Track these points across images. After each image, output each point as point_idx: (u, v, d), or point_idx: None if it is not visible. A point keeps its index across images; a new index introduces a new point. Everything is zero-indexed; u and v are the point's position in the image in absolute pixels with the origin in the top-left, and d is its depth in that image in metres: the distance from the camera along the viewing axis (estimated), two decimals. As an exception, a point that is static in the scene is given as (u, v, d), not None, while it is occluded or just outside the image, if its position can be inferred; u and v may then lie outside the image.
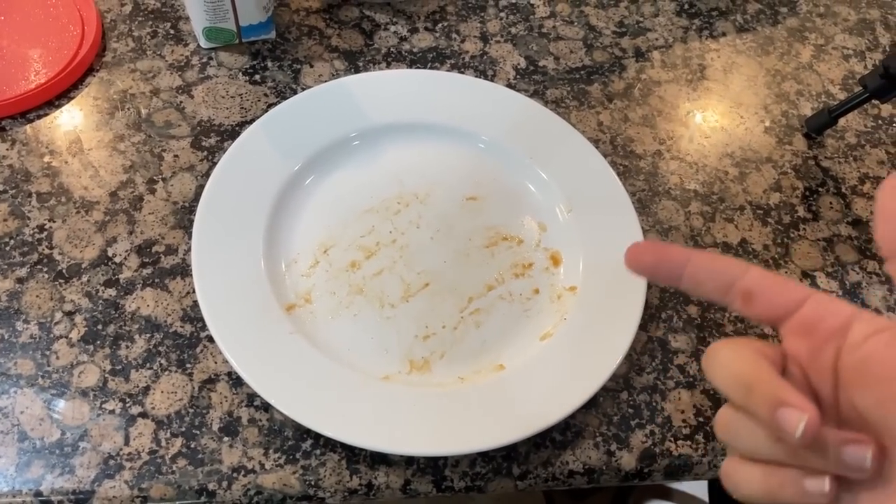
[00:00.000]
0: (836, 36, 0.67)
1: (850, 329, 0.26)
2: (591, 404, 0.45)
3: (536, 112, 0.54)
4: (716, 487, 0.89)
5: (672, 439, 0.45)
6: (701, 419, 0.46)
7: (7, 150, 0.51)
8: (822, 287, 0.52)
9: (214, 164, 0.51)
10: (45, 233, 0.48)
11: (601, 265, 0.49)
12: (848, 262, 0.54)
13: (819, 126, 0.59)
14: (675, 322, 0.49)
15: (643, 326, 0.49)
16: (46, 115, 0.53)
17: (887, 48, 0.66)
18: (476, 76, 0.59)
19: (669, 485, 1.32)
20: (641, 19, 0.65)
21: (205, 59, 0.57)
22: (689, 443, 0.45)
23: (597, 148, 0.54)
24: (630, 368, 0.47)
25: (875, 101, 0.57)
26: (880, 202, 0.27)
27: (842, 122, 0.60)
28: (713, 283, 0.28)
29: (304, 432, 0.43)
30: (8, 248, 0.47)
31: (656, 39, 0.64)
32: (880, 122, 0.62)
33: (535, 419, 0.42)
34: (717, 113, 0.60)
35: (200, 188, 0.50)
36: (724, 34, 0.65)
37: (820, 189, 0.57)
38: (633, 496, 1.21)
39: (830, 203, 0.56)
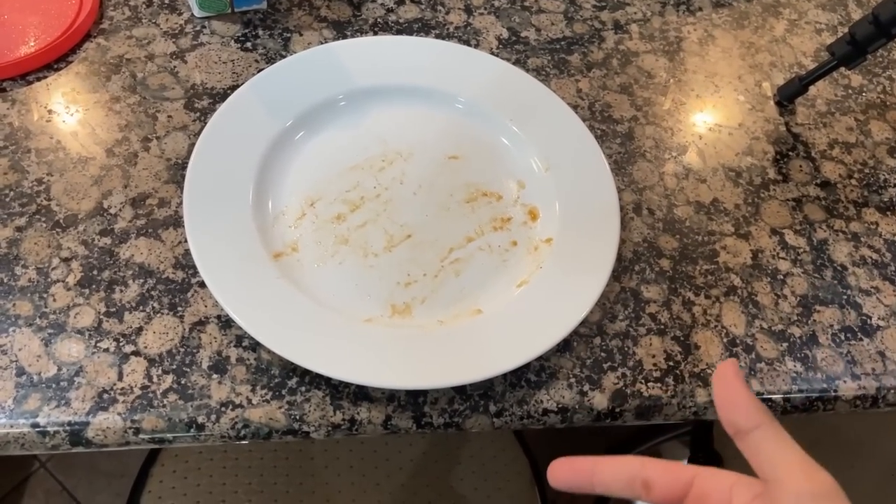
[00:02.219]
0: (809, 11, 0.69)
1: (732, 498, 0.29)
2: (566, 348, 0.48)
3: (517, 76, 0.56)
4: (693, 461, 0.91)
5: (643, 381, 0.47)
6: (671, 363, 0.48)
7: (7, 109, 0.53)
8: (789, 243, 0.54)
9: (206, 124, 0.53)
10: (44, 185, 0.50)
11: (577, 220, 0.51)
12: (816, 220, 0.56)
13: (790, 94, 0.61)
14: (648, 274, 0.51)
15: (617, 277, 0.51)
16: (45, 77, 0.55)
17: (859, 23, 0.69)
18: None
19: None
20: (621, -6, 0.67)
21: (198, 28, 0.59)
22: (659, 385, 0.47)
23: (575, 113, 0.56)
24: (603, 316, 0.49)
25: (845, 71, 0.60)
26: (716, 391, 0.31)
27: (812, 91, 0.62)
28: (618, 482, 0.31)
29: (289, 370, 0.45)
30: (8, 200, 0.49)
31: (635, 13, 0.66)
32: (850, 91, 0.64)
33: (510, 358, 0.44)
34: (693, 82, 0.62)
35: (193, 146, 0.52)
36: (700, 9, 0.68)
37: (790, 153, 0.59)
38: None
39: (800, 166, 0.59)
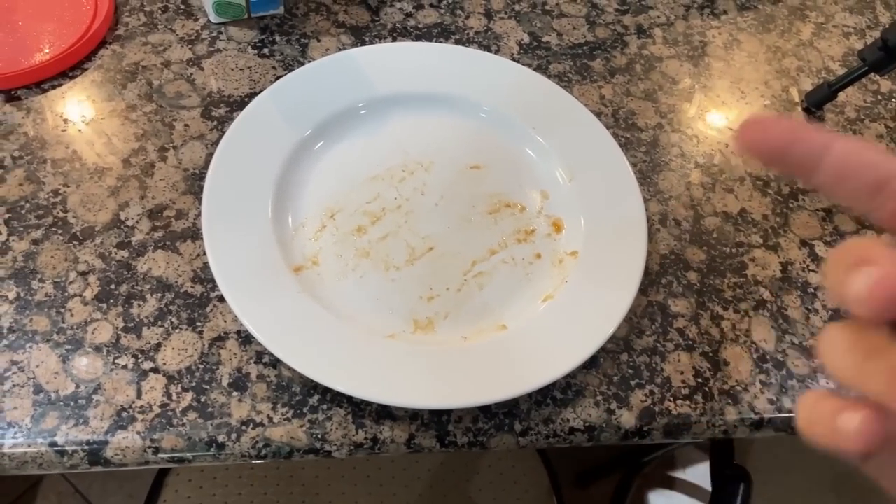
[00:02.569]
0: (836, 14, 0.67)
1: None
2: (592, 364, 0.46)
3: (539, 84, 0.55)
4: (718, 477, 0.90)
5: (671, 399, 0.46)
6: (700, 380, 0.47)
7: (23, 118, 0.52)
8: (820, 256, 0.53)
9: (224, 133, 0.52)
10: (60, 197, 0.49)
11: (602, 231, 0.50)
12: (847, 231, 0.54)
13: (819, 100, 0.60)
14: (675, 287, 0.50)
15: (644, 291, 0.50)
16: (61, 85, 0.54)
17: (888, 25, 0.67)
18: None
19: (672, 474, 1.33)
20: (644, -3, 0.66)
21: (214, 34, 0.58)
22: (688, 402, 0.46)
23: (599, 121, 0.55)
24: (630, 331, 0.48)
25: (874, 76, 0.58)
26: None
27: (841, 96, 0.61)
28: (862, 177, 0.22)
29: (311, 388, 0.44)
30: (24, 212, 0.48)
31: (658, 17, 0.65)
32: (879, 97, 0.62)
33: (535, 376, 0.43)
34: (719, 88, 0.61)
35: (210, 156, 0.51)
36: (725, 12, 0.66)
37: (819, 161, 0.58)
38: (635, 483, 1.22)
39: (829, 175, 0.57)
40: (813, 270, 0.52)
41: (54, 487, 1.17)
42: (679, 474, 1.31)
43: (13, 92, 0.53)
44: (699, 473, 1.29)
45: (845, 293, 0.19)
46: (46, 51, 0.54)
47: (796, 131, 0.22)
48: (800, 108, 0.61)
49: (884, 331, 0.20)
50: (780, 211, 0.55)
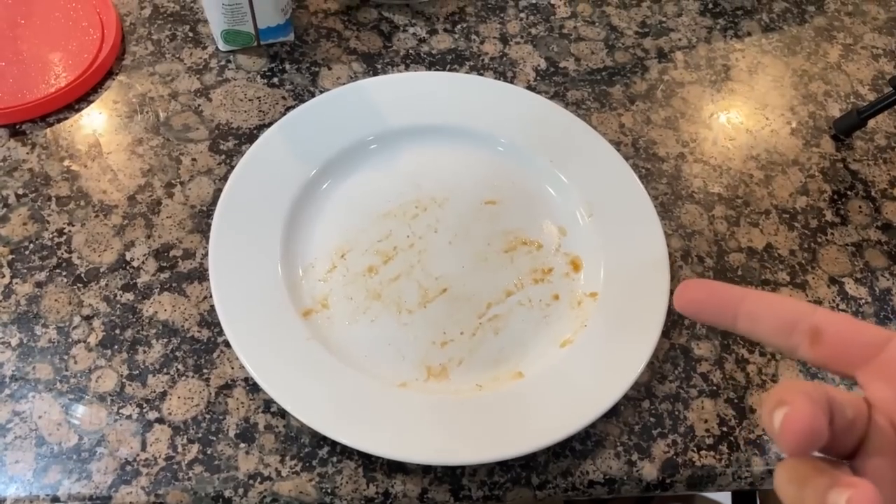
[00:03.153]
0: (864, 35, 0.65)
1: None
2: (612, 413, 0.45)
3: (556, 114, 0.53)
4: (739, 495, 0.88)
5: (695, 449, 0.44)
6: (725, 429, 0.45)
7: (27, 153, 0.51)
8: (850, 294, 0.51)
9: (232, 167, 0.51)
10: (65, 237, 0.48)
11: (622, 270, 0.48)
12: (878, 267, 0.52)
13: (847, 128, 0.57)
14: (699, 329, 0.48)
15: (665, 333, 0.48)
16: (66, 118, 0.53)
17: (918, 47, 0.65)
18: (496, 78, 0.58)
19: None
20: (664, 19, 0.64)
21: (223, 62, 0.57)
22: (712, 453, 0.44)
23: (618, 150, 0.53)
24: (652, 376, 0.46)
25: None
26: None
27: (871, 123, 0.58)
28: (773, 323, 0.25)
29: (320, 439, 0.42)
30: (27, 252, 0.47)
31: (679, 40, 0.63)
32: (911, 123, 0.60)
33: (554, 428, 0.41)
34: (742, 115, 0.59)
35: (218, 192, 0.50)
36: (749, 34, 0.64)
37: (849, 192, 0.56)
38: (654, 502, 1.20)
39: (860, 207, 0.55)
40: (843, 310, 0.50)
41: None
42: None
43: (18, 126, 0.52)
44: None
45: (770, 432, 0.22)
46: (52, 83, 0.53)
47: (716, 288, 0.26)
48: (827, 136, 0.58)
49: (816, 462, 0.22)
50: (807, 246, 0.53)
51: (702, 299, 0.26)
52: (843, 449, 0.23)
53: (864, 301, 0.50)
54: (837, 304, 0.50)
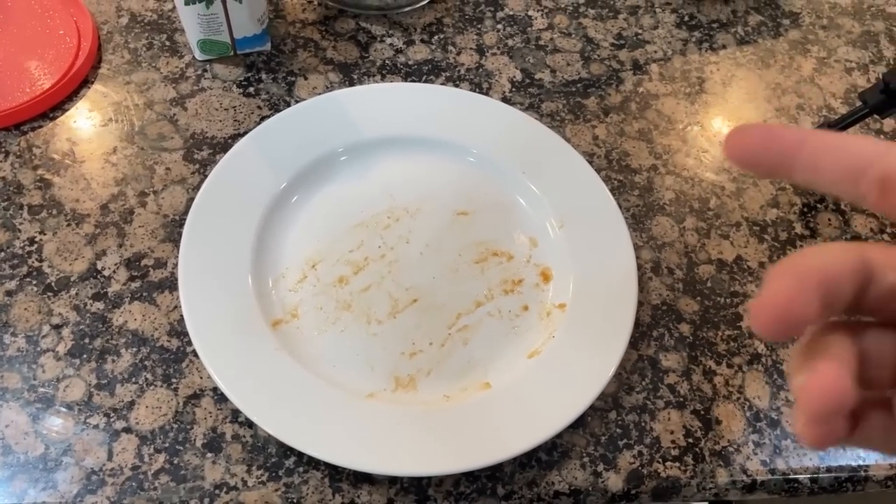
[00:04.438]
0: (839, 48, 0.66)
1: None
2: (579, 423, 0.45)
3: (529, 126, 0.54)
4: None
5: (660, 460, 0.44)
6: (690, 440, 0.45)
7: (0, 161, 0.51)
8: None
9: (206, 177, 0.51)
10: (35, 245, 0.48)
11: (592, 282, 0.48)
12: (845, 280, 0.53)
13: (819, 141, 0.58)
14: (667, 340, 0.49)
15: (633, 344, 0.48)
16: (41, 127, 0.53)
17: (891, 61, 0.65)
18: (472, 89, 0.58)
19: None
20: (640, 31, 0.65)
21: (199, 72, 0.57)
22: (677, 464, 0.44)
23: (591, 162, 0.53)
24: (619, 387, 0.47)
25: (876, 116, 0.56)
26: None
27: (842, 136, 0.59)
28: (838, 168, 0.21)
29: (287, 449, 0.42)
30: (-2, 261, 0.47)
31: (655, 52, 0.63)
32: (883, 136, 0.61)
33: (520, 439, 0.42)
34: (716, 127, 0.60)
35: (191, 201, 0.50)
36: (724, 47, 0.65)
37: (818, 205, 0.56)
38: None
39: (829, 220, 0.55)
40: (810, 322, 0.50)
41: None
42: None
43: (-8, 134, 0.52)
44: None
45: (794, 389, 0.20)
46: (27, 90, 0.53)
47: (772, 130, 0.23)
48: (799, 149, 0.59)
49: (824, 339, 0.21)
50: (777, 258, 0.53)
51: (755, 145, 0.23)
52: (891, 314, 0.21)
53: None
54: (805, 317, 0.51)
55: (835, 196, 0.22)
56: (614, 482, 0.44)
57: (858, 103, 0.57)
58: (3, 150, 0.52)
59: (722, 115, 0.60)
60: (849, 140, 0.22)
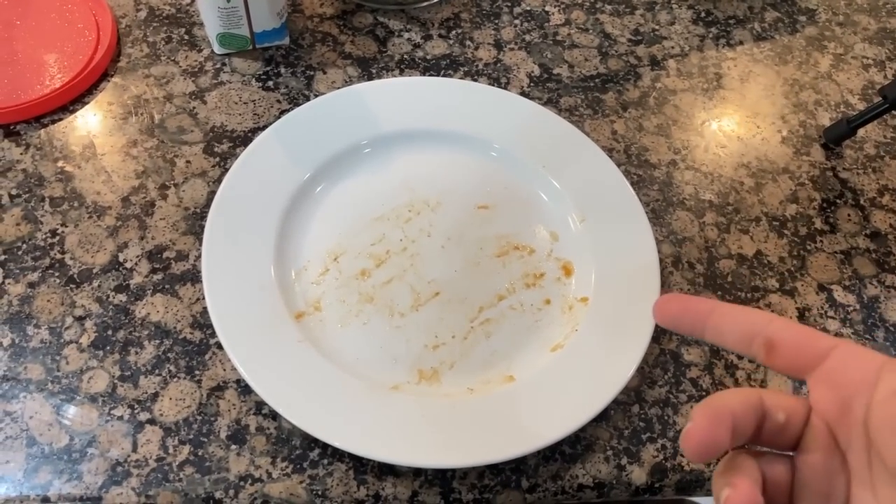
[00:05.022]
0: (855, 45, 0.66)
1: (879, 382, 0.25)
2: (602, 417, 0.45)
3: (549, 120, 0.54)
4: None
5: (684, 454, 0.44)
6: (714, 434, 0.45)
7: (21, 154, 0.51)
8: (838, 301, 0.51)
9: (226, 170, 0.51)
10: (58, 237, 0.48)
11: (614, 276, 0.48)
12: (866, 275, 0.53)
13: (837, 136, 0.58)
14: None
15: (656, 339, 0.48)
16: (61, 119, 0.53)
17: (908, 58, 0.65)
18: (489, 84, 0.58)
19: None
20: (657, 27, 0.65)
21: (218, 65, 0.57)
22: (701, 458, 0.44)
23: (611, 157, 0.53)
24: (642, 381, 0.47)
25: (895, 112, 0.56)
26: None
27: (861, 132, 0.59)
28: (735, 334, 0.28)
29: (311, 441, 0.42)
30: (20, 253, 0.47)
31: (672, 48, 0.63)
32: (900, 132, 0.61)
33: (544, 432, 0.41)
34: (734, 122, 0.59)
35: (212, 194, 0.50)
36: (741, 42, 0.65)
37: (838, 200, 0.56)
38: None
39: (848, 215, 0.55)
40: (831, 317, 0.50)
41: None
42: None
43: (12, 126, 0.52)
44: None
45: (717, 501, 0.26)
46: (47, 83, 0.53)
47: (688, 302, 0.29)
48: (817, 145, 0.59)
49: (742, 458, 0.27)
50: (797, 253, 0.53)
51: (676, 313, 0.29)
52: (782, 443, 0.27)
53: (852, 308, 0.51)
54: (826, 312, 0.51)
55: (735, 350, 0.29)
56: (638, 475, 0.44)
57: (877, 99, 0.57)
58: (23, 142, 0.52)
59: (740, 110, 0.60)
60: (744, 311, 0.28)
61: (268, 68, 0.58)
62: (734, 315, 0.28)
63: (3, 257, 0.47)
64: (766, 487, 0.26)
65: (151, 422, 0.42)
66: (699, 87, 0.61)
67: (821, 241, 0.54)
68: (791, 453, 0.27)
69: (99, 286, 0.46)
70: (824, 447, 0.26)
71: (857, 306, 0.51)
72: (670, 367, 0.47)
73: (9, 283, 0.46)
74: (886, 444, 0.24)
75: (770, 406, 0.26)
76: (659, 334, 0.48)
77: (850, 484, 0.25)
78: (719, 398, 0.26)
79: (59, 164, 0.51)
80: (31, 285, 0.46)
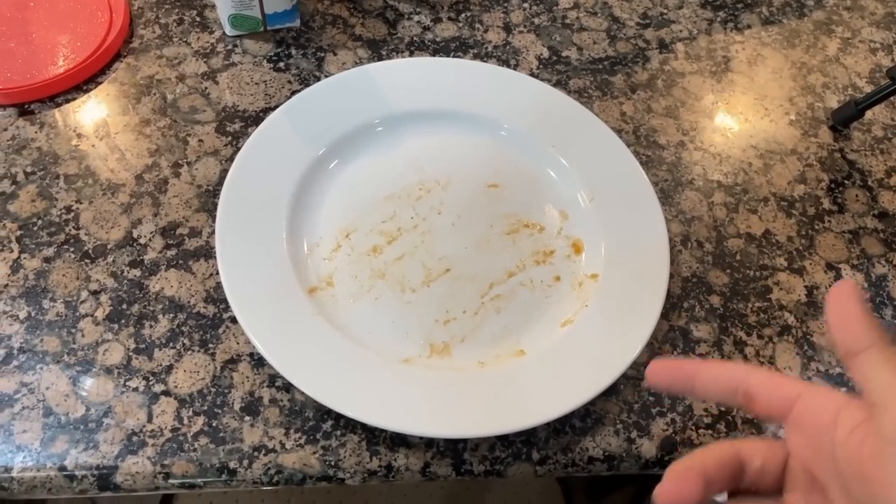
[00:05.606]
0: (863, 29, 0.66)
1: (838, 423, 0.26)
2: (612, 391, 0.45)
3: (559, 100, 0.54)
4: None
5: (693, 428, 0.45)
6: (722, 408, 0.45)
7: (36, 132, 0.52)
8: (847, 277, 0.51)
9: (238, 148, 0.51)
10: (72, 214, 0.48)
11: (623, 253, 0.49)
12: (874, 254, 0.53)
13: (845, 118, 0.58)
14: (698, 312, 0.49)
15: (665, 315, 0.49)
16: (74, 99, 0.54)
17: (916, 42, 0.66)
18: (499, 66, 0.59)
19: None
20: (665, 11, 0.65)
21: (230, 47, 0.58)
22: (710, 432, 0.45)
23: (619, 138, 0.53)
24: (651, 356, 0.47)
25: (903, 93, 0.57)
26: (830, 311, 0.29)
27: (868, 114, 0.59)
28: (719, 392, 0.30)
29: (324, 413, 0.43)
30: (36, 229, 0.47)
31: (680, 31, 0.64)
32: (908, 115, 0.61)
33: (554, 404, 0.42)
34: (742, 104, 0.60)
35: (224, 172, 0.50)
36: (749, 26, 0.65)
37: (846, 181, 0.56)
38: (649, 497, 1.20)
39: (856, 195, 0.56)
40: (839, 295, 0.51)
41: (65, 493, 1.17)
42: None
43: (26, 106, 0.53)
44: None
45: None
46: (61, 64, 0.54)
47: (675, 366, 0.31)
48: (825, 127, 0.59)
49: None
50: (805, 233, 0.53)
51: (666, 379, 0.32)
52: (766, 486, 0.29)
53: (860, 287, 0.51)
54: (834, 290, 0.51)
55: (723, 403, 0.33)
56: (648, 448, 0.44)
57: (885, 81, 0.57)
58: (38, 121, 0.52)
59: (748, 93, 0.60)
60: (725, 368, 0.30)
61: (279, 50, 0.58)
62: (716, 373, 0.30)
63: (19, 233, 0.47)
64: None
65: (166, 393, 0.43)
66: (707, 69, 0.61)
67: (829, 220, 0.54)
68: (779, 498, 0.29)
69: (113, 261, 0.47)
70: (804, 486, 0.28)
71: (865, 285, 0.51)
72: (679, 343, 0.48)
73: (25, 258, 0.46)
74: (852, 478, 0.25)
75: (746, 455, 0.29)
76: (668, 310, 0.49)
77: None
78: (693, 457, 0.29)
79: (73, 142, 0.51)
80: (47, 260, 0.46)
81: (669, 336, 0.48)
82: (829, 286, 0.51)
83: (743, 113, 0.59)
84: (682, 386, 0.31)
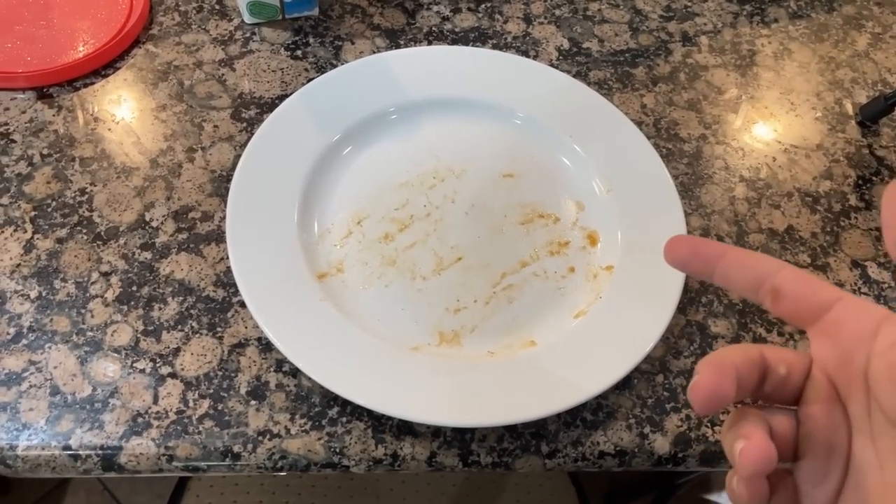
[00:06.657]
0: (894, 24, 0.64)
1: (879, 334, 0.25)
2: (626, 385, 0.44)
3: (577, 90, 0.53)
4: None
5: (708, 425, 0.43)
6: (739, 406, 0.44)
7: (54, 115, 0.52)
8: (872, 278, 0.50)
9: (253, 135, 0.51)
10: (86, 196, 0.48)
11: (640, 246, 0.47)
12: (902, 252, 0.51)
13: (874, 114, 0.57)
14: (716, 307, 0.48)
15: (682, 310, 0.47)
16: (92, 83, 0.54)
17: (950, 37, 0.64)
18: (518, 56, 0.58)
19: (709, 497, 1.28)
20: (690, 4, 0.64)
21: (248, 34, 0.58)
22: (726, 429, 0.43)
23: (640, 130, 0.52)
24: (667, 351, 0.46)
25: (935, 89, 0.55)
26: (885, 211, 0.27)
27: (899, 110, 0.57)
28: (743, 280, 0.28)
29: (330, 399, 0.42)
30: (50, 210, 0.48)
31: (704, 24, 0.62)
32: (940, 111, 0.59)
33: (565, 396, 0.41)
34: (767, 99, 0.58)
35: (238, 158, 0.50)
36: (776, 20, 0.63)
37: (874, 178, 0.55)
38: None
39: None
40: (865, 293, 0.49)
41: (84, 484, 1.18)
42: (716, 497, 1.27)
43: (45, 89, 0.53)
44: (735, 497, 1.24)
45: (732, 455, 0.26)
46: (80, 49, 0.54)
47: (698, 245, 0.29)
48: (853, 122, 0.57)
49: (751, 412, 0.27)
50: (830, 229, 0.52)
51: (686, 254, 0.29)
52: (784, 397, 0.27)
53: (886, 285, 0.50)
54: (859, 288, 0.49)
55: (742, 295, 0.30)
56: (661, 444, 0.43)
57: (917, 75, 0.55)
58: (56, 104, 0.52)
59: (774, 87, 0.59)
60: (754, 257, 0.28)
61: (297, 38, 0.58)
62: (744, 260, 0.28)
63: (33, 213, 0.47)
64: (772, 441, 0.26)
65: (173, 375, 0.42)
66: (732, 63, 0.60)
67: (855, 217, 0.53)
68: (794, 408, 0.27)
69: (125, 244, 0.47)
70: (825, 399, 0.26)
71: (892, 283, 0.50)
72: (696, 338, 0.46)
73: (38, 238, 0.46)
74: (884, 394, 0.24)
75: (771, 360, 0.27)
76: (685, 305, 0.48)
77: (850, 434, 0.25)
78: (722, 353, 0.26)
79: (90, 126, 0.52)
80: (60, 241, 0.47)
81: (686, 331, 0.47)
82: (854, 284, 0.49)
83: (768, 107, 0.58)
84: (701, 266, 0.28)
